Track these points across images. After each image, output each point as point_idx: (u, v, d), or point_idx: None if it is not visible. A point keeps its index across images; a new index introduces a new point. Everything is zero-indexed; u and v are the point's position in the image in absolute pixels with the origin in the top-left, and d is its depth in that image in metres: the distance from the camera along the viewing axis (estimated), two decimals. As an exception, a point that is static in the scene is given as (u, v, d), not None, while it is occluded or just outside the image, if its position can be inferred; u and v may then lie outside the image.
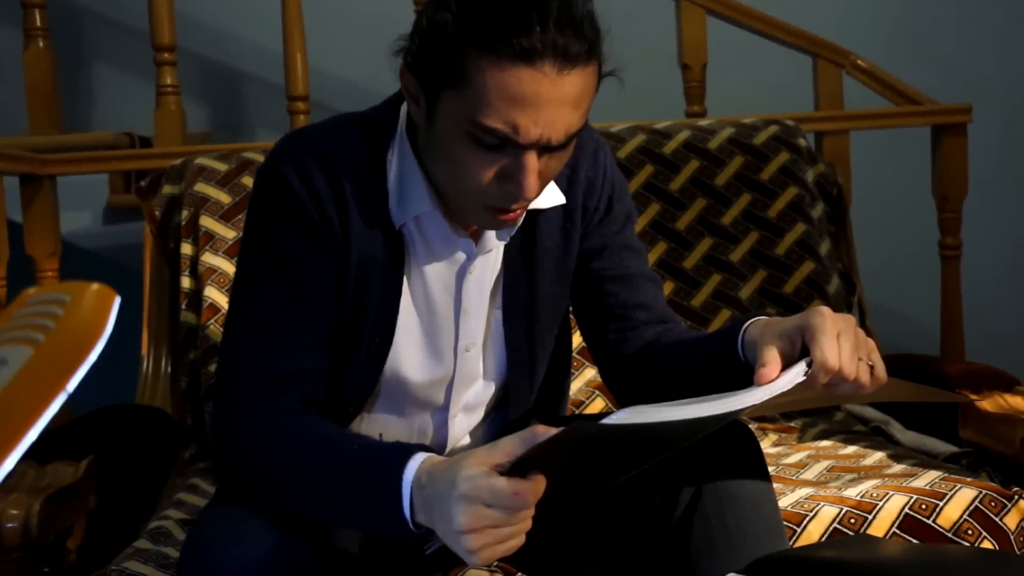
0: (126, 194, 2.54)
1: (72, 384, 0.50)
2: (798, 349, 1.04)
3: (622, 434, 0.94)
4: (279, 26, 2.36)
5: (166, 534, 1.47)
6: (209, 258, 1.94)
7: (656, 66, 2.43)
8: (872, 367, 1.04)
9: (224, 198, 1.99)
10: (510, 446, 0.94)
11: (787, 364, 1.04)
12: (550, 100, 1.04)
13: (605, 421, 0.91)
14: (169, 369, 1.99)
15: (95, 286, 0.53)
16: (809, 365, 1.02)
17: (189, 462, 1.84)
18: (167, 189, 2.05)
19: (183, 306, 1.95)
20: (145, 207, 2.07)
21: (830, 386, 1.03)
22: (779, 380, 1.01)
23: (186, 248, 1.97)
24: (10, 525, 1.32)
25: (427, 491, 0.97)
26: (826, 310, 1.05)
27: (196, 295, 1.94)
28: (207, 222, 1.97)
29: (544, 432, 0.93)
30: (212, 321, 1.89)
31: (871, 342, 1.05)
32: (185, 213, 1.99)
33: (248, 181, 1.98)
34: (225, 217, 1.97)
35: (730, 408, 0.97)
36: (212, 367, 1.85)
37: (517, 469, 0.93)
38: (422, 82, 1.10)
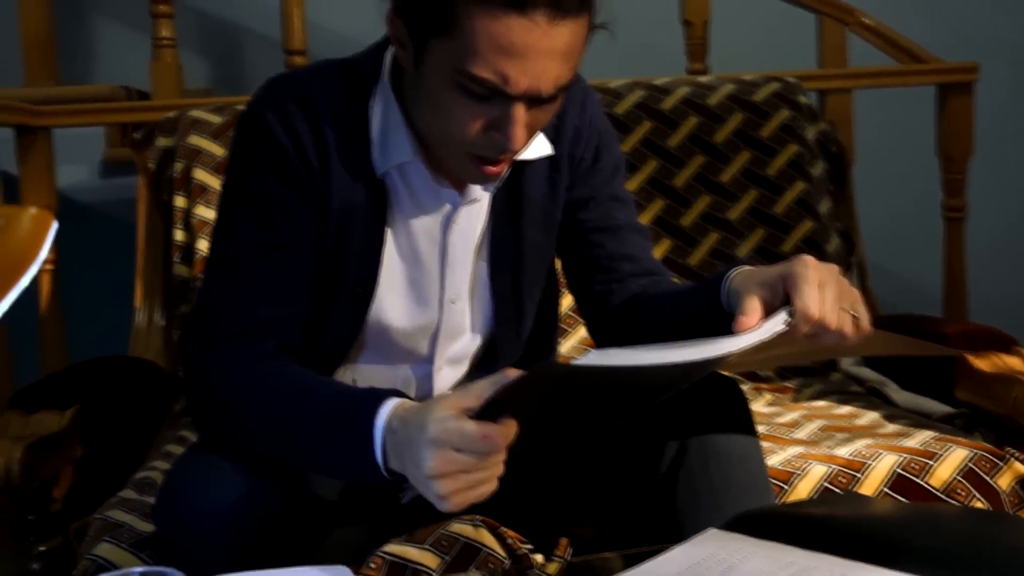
0: (123, 148, 2.53)
1: (1, 310, 0.48)
2: (780, 298, 1.02)
3: (592, 375, 0.92)
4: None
5: (152, 484, 1.47)
6: (202, 211, 1.92)
7: (658, 23, 2.40)
8: (856, 318, 1.02)
9: (217, 150, 1.97)
10: (481, 389, 0.93)
11: (769, 313, 1.02)
12: (541, 51, 1.02)
13: (575, 361, 0.89)
14: (162, 322, 1.98)
15: (31, 210, 0.52)
16: (791, 314, 1.00)
17: (180, 414, 1.83)
18: (161, 141, 2.03)
19: (176, 259, 1.94)
20: (138, 159, 2.05)
21: (812, 336, 1.01)
22: (758, 329, 0.99)
23: (179, 201, 1.96)
24: (-8, 472, 1.32)
25: (398, 436, 0.96)
26: (809, 259, 1.02)
27: (189, 248, 1.93)
28: (200, 175, 1.95)
29: (515, 374, 0.91)
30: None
31: (855, 292, 1.03)
32: (179, 166, 1.98)
33: (242, 134, 1.97)
34: (218, 170, 1.96)
35: (705, 355, 0.95)
36: (204, 320, 1.84)
37: (487, 413, 0.92)
38: (410, 28, 1.07)
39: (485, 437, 0.91)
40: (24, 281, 0.49)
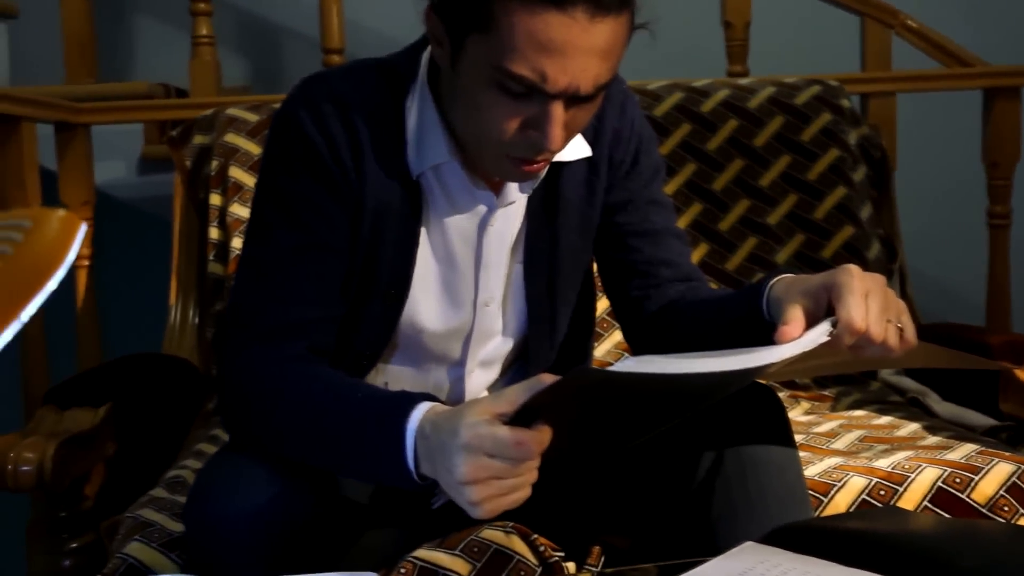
0: (160, 144, 2.54)
1: (27, 313, 0.47)
2: (823, 308, 1.00)
3: (628, 382, 0.90)
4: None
5: (182, 483, 1.46)
6: (237, 209, 1.92)
7: (698, 24, 2.37)
8: (901, 330, 0.99)
9: (254, 149, 1.97)
10: (514, 394, 0.91)
11: (812, 323, 0.99)
12: (580, 48, 1.00)
13: (612, 368, 0.87)
14: (196, 320, 1.98)
15: (60, 212, 0.50)
16: (834, 325, 0.97)
17: (212, 413, 1.83)
18: (198, 139, 2.03)
19: (211, 257, 1.94)
20: (176, 157, 2.06)
21: (856, 348, 0.98)
22: (801, 339, 0.97)
23: (215, 199, 1.96)
24: (25, 468, 1.33)
25: (430, 441, 0.94)
26: (854, 268, 1.00)
27: (224, 246, 1.93)
28: (236, 173, 1.95)
29: (550, 380, 0.90)
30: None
31: (901, 303, 1.00)
32: (215, 163, 1.98)
33: (278, 132, 1.97)
34: (254, 168, 1.96)
35: (746, 365, 0.93)
36: (238, 319, 1.85)
37: (521, 418, 0.90)
38: (447, 24, 1.06)
39: (519, 443, 0.89)
40: (51, 285, 0.48)
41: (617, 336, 1.87)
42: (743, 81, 2.12)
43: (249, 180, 1.93)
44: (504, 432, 0.89)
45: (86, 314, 2.17)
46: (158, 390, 1.72)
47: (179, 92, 2.63)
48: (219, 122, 2.02)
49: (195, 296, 2.00)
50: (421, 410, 0.97)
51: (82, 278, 2.17)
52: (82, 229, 0.50)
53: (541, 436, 0.90)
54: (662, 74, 2.13)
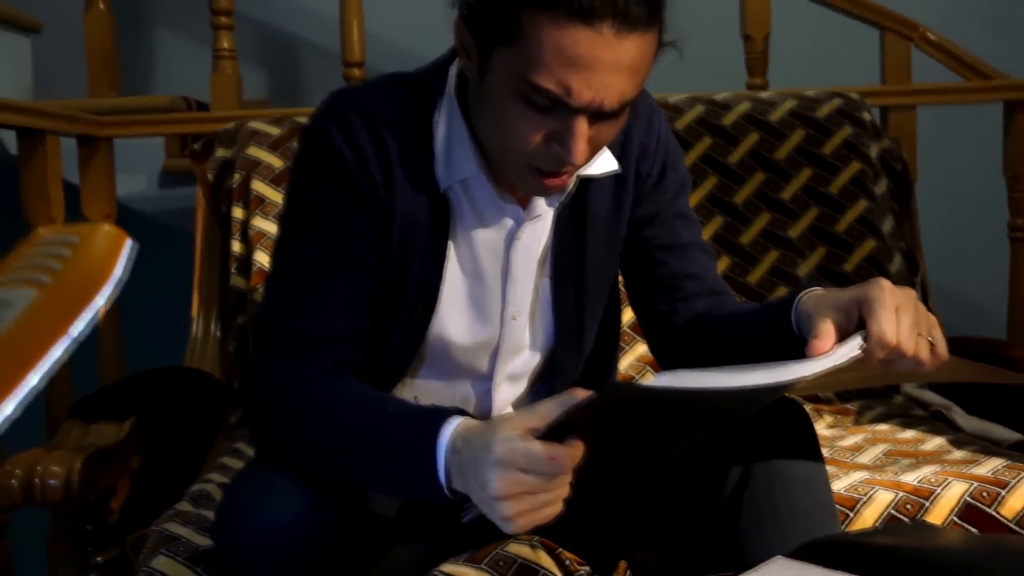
0: (182, 158, 2.56)
1: (77, 329, 0.47)
2: (854, 322, 1.00)
3: (662, 397, 0.90)
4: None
5: (207, 497, 1.47)
6: (259, 222, 1.93)
7: (717, 36, 2.38)
8: (932, 344, 0.99)
9: (276, 162, 1.98)
10: (547, 409, 0.92)
11: (842, 337, 0.99)
12: (606, 63, 1.00)
13: (645, 383, 0.87)
14: (218, 333, 1.99)
15: (106, 227, 0.51)
16: (865, 339, 0.97)
17: (235, 426, 1.84)
18: (220, 152, 2.04)
19: (233, 270, 1.95)
20: (198, 170, 2.07)
21: (887, 362, 0.98)
22: (833, 354, 0.97)
23: (237, 212, 1.97)
24: (52, 482, 1.33)
25: (462, 456, 0.94)
26: (885, 282, 1.00)
27: (246, 259, 1.93)
28: (258, 186, 1.96)
29: (582, 395, 0.90)
30: (261, 286, 1.89)
31: (932, 317, 1.00)
32: (237, 177, 1.99)
33: (300, 146, 1.98)
34: (276, 181, 1.97)
35: (777, 380, 0.93)
36: (260, 332, 1.85)
37: (554, 433, 0.90)
38: (476, 35, 1.06)
39: (552, 458, 0.89)
40: (99, 301, 0.48)
41: (640, 349, 1.87)
42: (764, 94, 2.12)
43: (271, 194, 1.94)
44: (537, 447, 0.90)
45: (108, 326, 2.18)
46: (181, 403, 1.73)
47: (200, 105, 2.65)
48: (241, 135, 2.03)
49: (217, 309, 2.00)
50: (452, 425, 0.97)
51: (104, 291, 2.18)
52: (127, 244, 0.50)
53: (574, 451, 0.90)
54: (682, 86, 2.13)
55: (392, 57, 2.75)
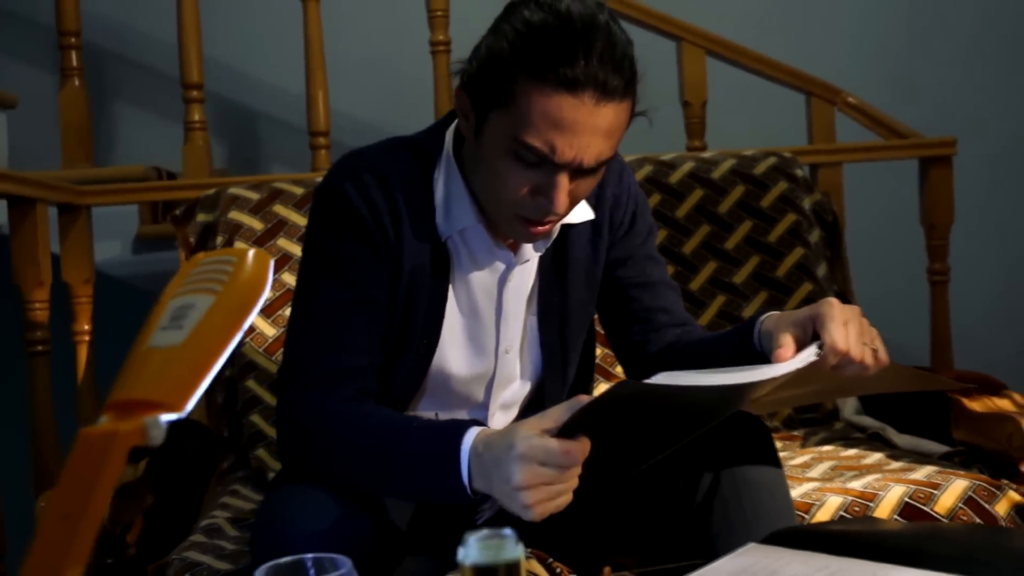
0: (155, 224, 2.66)
1: (245, 326, 0.62)
2: (809, 335, 1.18)
3: (658, 393, 1.06)
4: (294, 65, 2.47)
5: (217, 530, 1.58)
6: (244, 280, 2.05)
7: (657, 102, 2.56)
8: (876, 351, 1.17)
9: (257, 225, 2.10)
10: (557, 413, 1.07)
11: (800, 348, 1.17)
12: (586, 127, 1.16)
13: (645, 381, 1.03)
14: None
15: (253, 251, 0.65)
16: (820, 348, 1.15)
17: (228, 471, 1.94)
18: (201, 217, 2.15)
19: (219, 326, 2.05)
20: (180, 234, 2.17)
21: (838, 367, 1.16)
22: (794, 360, 1.14)
23: (221, 272, 2.08)
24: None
25: (484, 457, 1.09)
26: (835, 301, 1.18)
27: (232, 315, 2.04)
28: (241, 247, 2.08)
29: (587, 399, 1.05)
30: (248, 340, 2.00)
31: (874, 330, 1.19)
32: (220, 239, 2.10)
33: (279, 209, 2.10)
34: (259, 243, 2.08)
35: (753, 379, 1.10)
36: (248, 382, 1.96)
37: (564, 433, 1.06)
38: (474, 101, 1.22)
39: (566, 452, 1.04)
40: (259, 306, 0.63)
41: (611, 381, 2.01)
42: (706, 154, 2.31)
43: (255, 253, 2.06)
44: (554, 443, 1.05)
45: (86, 386, 2.25)
46: (181, 448, 1.84)
47: (169, 175, 2.76)
48: (222, 201, 2.14)
49: (203, 363, 2.10)
50: (474, 432, 1.12)
51: (82, 353, 2.26)
52: (271, 264, 0.65)
53: (583, 446, 1.06)
54: (628, 149, 2.30)
55: (349, 128, 2.90)
